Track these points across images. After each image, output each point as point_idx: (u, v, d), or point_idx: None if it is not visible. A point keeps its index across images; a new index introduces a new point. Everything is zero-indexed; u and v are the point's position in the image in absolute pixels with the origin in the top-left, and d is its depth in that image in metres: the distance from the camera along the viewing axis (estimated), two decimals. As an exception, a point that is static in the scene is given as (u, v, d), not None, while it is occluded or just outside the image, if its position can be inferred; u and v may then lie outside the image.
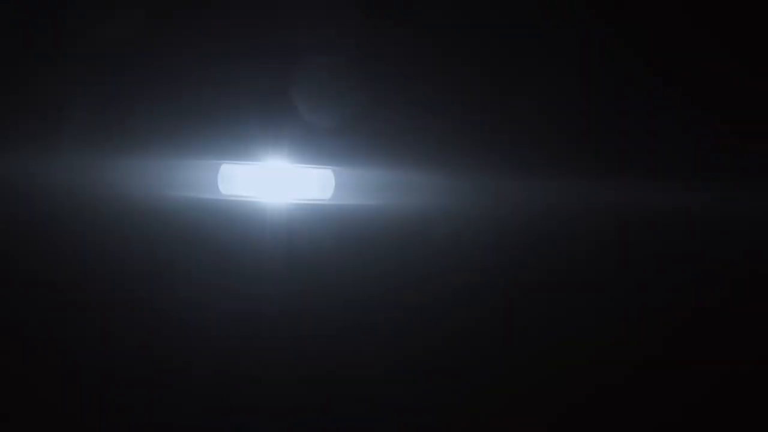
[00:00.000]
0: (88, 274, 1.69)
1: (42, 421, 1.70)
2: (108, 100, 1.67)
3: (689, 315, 1.79)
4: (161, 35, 1.67)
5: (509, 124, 1.75)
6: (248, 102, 1.69)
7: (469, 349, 1.77)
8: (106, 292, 1.69)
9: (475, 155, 1.73)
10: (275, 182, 1.66)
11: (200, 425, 1.72)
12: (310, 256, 1.70)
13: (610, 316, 1.78)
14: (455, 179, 1.70)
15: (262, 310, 1.72)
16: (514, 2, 1.75)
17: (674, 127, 1.79)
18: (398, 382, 1.75)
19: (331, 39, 1.71)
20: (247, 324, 1.72)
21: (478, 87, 1.75)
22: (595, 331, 1.78)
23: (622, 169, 1.78)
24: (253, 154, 1.67)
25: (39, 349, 1.69)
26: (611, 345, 1.77)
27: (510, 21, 1.75)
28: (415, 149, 1.70)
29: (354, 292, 1.72)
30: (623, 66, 1.78)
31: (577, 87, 1.77)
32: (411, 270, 1.72)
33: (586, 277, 1.77)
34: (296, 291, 1.72)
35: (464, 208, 1.71)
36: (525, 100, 1.76)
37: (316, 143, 1.67)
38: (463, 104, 1.74)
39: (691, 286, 1.79)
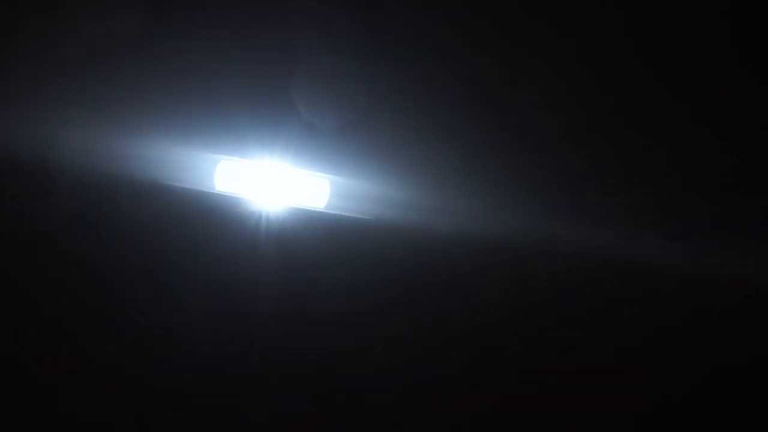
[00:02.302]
0: (79, 260, 1.70)
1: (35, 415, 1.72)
2: (111, 92, 1.68)
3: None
4: (166, 32, 1.67)
5: (512, 142, 1.77)
6: (252, 102, 1.69)
7: (460, 354, 1.80)
8: (96, 276, 1.71)
9: (473, 176, 1.75)
10: (272, 184, 1.68)
11: (189, 423, 1.75)
12: (297, 258, 1.72)
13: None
14: (449, 197, 1.72)
15: (248, 304, 1.75)
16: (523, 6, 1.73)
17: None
18: (386, 384, 1.78)
19: (337, 42, 1.71)
20: (234, 315, 1.75)
21: (480, 107, 1.76)
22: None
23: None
24: (253, 153, 1.68)
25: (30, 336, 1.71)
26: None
27: (518, 25, 1.75)
28: (413, 165, 1.72)
29: (338, 294, 1.75)
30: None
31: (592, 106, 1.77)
32: (397, 282, 1.75)
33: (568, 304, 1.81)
34: (283, 287, 1.74)
35: (456, 227, 1.73)
36: (532, 112, 1.76)
37: (316, 150, 1.68)
38: (465, 125, 1.76)
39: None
